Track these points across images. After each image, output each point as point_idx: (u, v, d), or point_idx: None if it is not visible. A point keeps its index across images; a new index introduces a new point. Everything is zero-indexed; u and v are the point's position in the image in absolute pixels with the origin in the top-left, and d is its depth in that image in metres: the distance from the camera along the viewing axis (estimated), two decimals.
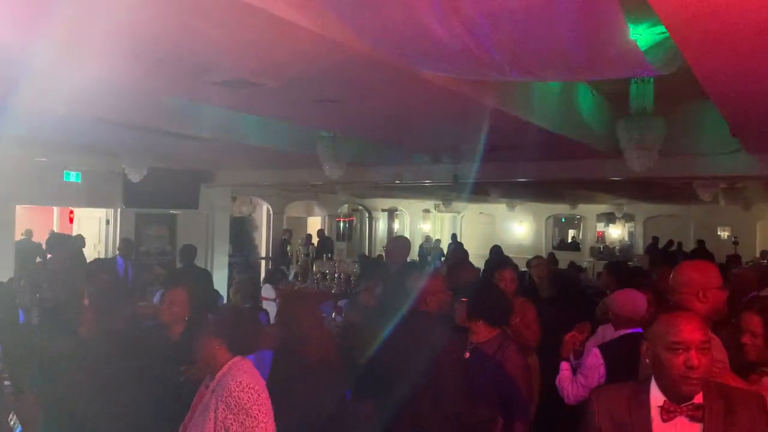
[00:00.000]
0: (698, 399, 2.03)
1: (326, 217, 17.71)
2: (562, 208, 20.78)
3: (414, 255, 20.28)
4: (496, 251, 11.64)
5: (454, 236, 20.04)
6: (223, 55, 3.74)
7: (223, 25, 3.20)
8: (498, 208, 20.84)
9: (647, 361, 2.11)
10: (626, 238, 21.73)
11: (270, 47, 3.60)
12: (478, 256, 19.17)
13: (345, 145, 7.48)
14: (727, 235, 18.78)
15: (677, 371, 2.01)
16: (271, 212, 15.49)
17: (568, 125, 6.79)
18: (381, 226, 20.92)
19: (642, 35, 3.48)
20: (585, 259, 19.37)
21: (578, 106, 6.95)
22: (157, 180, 10.45)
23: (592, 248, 20.82)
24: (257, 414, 2.56)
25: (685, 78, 4.12)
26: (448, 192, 15.18)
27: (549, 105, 6.24)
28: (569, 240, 22.99)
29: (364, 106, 5.49)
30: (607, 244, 21.76)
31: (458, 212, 22.99)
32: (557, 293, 6.96)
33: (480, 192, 13.56)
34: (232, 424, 2.54)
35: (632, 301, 3.69)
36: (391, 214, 21.26)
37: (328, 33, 3.28)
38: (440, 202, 19.56)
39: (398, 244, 6.09)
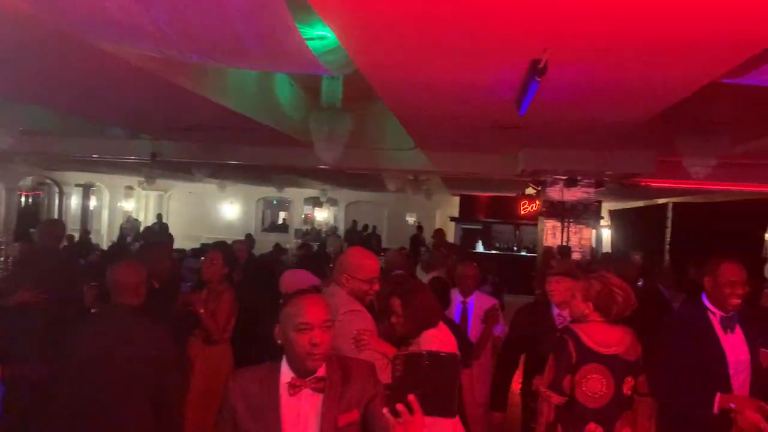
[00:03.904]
0: (321, 372, 2.25)
1: (4, 191, 15.36)
2: (270, 191, 21.27)
3: (114, 235, 18.86)
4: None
5: (159, 216, 19.11)
6: None
7: None
8: (208, 188, 20.43)
9: (279, 341, 2.27)
10: (332, 221, 23.21)
11: None
12: (187, 237, 18.69)
13: (17, 110, 6.58)
14: (414, 221, 21.26)
15: (303, 349, 2.20)
16: None
17: (266, 113, 6.96)
18: (74, 202, 18.92)
19: (322, 38, 3.74)
20: (292, 241, 20.17)
21: (276, 95, 7.18)
22: None
23: (296, 230, 21.79)
24: None
25: None
26: (151, 169, 14.38)
27: (246, 92, 6.32)
28: (280, 222, 23.72)
29: (34, 71, 4.89)
30: (314, 226, 22.99)
31: (165, 191, 21.97)
32: (251, 276, 7.11)
33: (185, 171, 13.16)
34: None
35: (298, 280, 4.03)
36: (87, 189, 19.35)
37: None
38: (144, 179, 18.44)
39: (49, 227, 5.58)
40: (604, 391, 2.99)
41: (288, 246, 15.68)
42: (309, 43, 3.59)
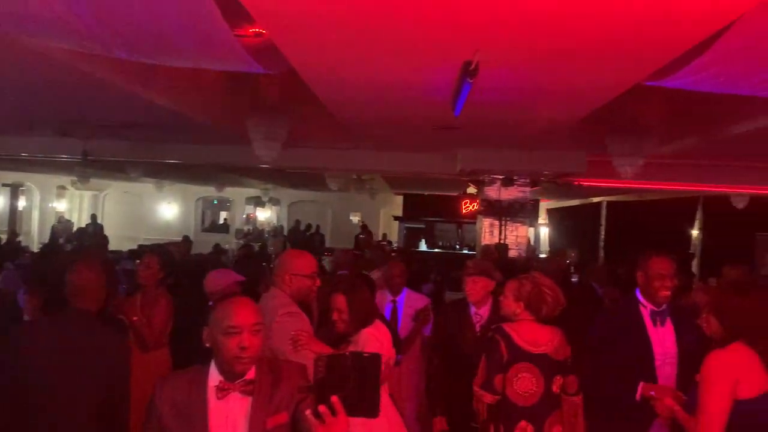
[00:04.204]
0: (251, 375, 2.22)
1: None
2: (211, 190, 20.86)
3: (45, 237, 18.13)
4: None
5: (93, 217, 18.48)
6: None
7: None
8: (145, 188, 19.88)
9: (208, 345, 2.23)
10: (275, 221, 22.93)
11: None
12: (122, 238, 18.13)
13: None
14: (358, 220, 21.24)
15: (231, 352, 2.16)
16: None
17: (203, 111, 6.82)
18: (1, 203, 18.08)
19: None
20: (233, 241, 19.84)
21: (215, 93, 7.03)
22: None
23: (237, 230, 21.45)
24: None
25: None
26: (84, 168, 13.89)
27: (183, 89, 6.17)
28: (221, 222, 23.30)
29: None
30: (257, 226, 22.65)
31: (100, 190, 21.26)
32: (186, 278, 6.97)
33: (119, 170, 12.77)
34: None
35: (221, 278, 4.02)
36: (15, 189, 18.51)
37: None
38: (77, 179, 17.78)
39: None
40: (534, 390, 3.06)
41: (227, 246, 15.44)
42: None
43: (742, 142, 6.60)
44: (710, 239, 12.88)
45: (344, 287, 3.29)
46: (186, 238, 10.79)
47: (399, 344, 4.17)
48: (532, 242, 18.55)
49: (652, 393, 3.09)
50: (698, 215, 13.21)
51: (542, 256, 16.42)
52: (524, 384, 3.06)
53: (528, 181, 9.15)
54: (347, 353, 1.74)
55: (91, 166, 10.82)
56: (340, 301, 3.22)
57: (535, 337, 3.11)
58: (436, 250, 17.72)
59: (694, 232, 13.36)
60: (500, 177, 9.06)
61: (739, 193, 10.77)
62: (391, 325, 4.40)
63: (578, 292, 6.29)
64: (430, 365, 4.15)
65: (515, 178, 9.05)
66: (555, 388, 3.12)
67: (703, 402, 2.58)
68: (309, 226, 19.51)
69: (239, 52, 3.32)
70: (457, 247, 18.42)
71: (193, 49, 3.28)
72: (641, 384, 3.16)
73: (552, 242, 18.93)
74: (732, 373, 2.54)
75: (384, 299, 4.75)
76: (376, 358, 1.67)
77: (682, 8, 2.70)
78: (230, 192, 20.71)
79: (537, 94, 4.41)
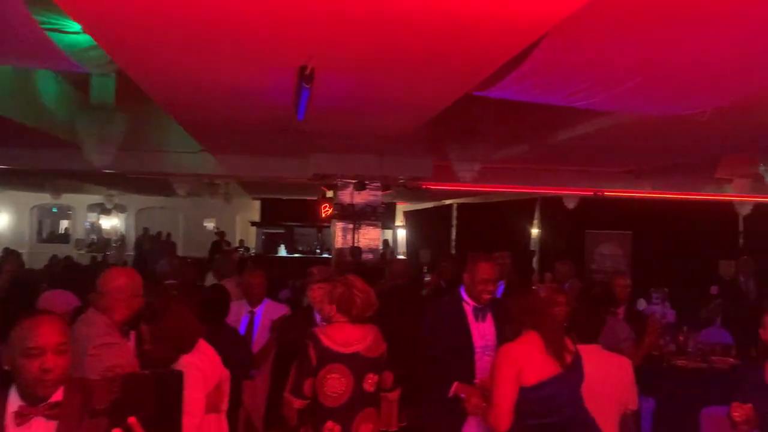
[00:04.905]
0: (57, 397, 2.06)
1: None
2: (47, 197, 19.16)
3: None
4: None
5: None
6: None
7: None
8: None
9: (6, 367, 2.05)
10: (123, 229, 21.51)
11: None
12: None
13: None
14: (213, 226, 20.53)
15: (32, 375, 2.00)
16: None
17: (24, 112, 6.24)
18: None
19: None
20: (74, 252, 18.38)
21: (39, 92, 6.47)
22: None
23: (77, 240, 19.87)
24: None
25: None
26: None
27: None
28: (61, 231, 21.50)
29: None
30: (102, 235, 21.11)
31: None
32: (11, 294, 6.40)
33: None
34: None
35: (58, 302, 3.76)
36: None
37: None
38: None
39: None
40: (343, 390, 3.07)
41: (75, 258, 14.30)
42: (70, 38, 3.29)
43: (565, 148, 7.22)
44: (547, 237, 13.91)
45: (146, 315, 2.92)
46: (8, 251, 9.75)
47: (251, 360, 4.03)
48: (390, 244, 19.03)
49: (462, 395, 3.27)
50: (536, 215, 14.21)
51: (400, 257, 16.95)
52: (333, 385, 3.07)
53: (380, 185, 9.37)
54: (147, 372, 1.67)
55: None
56: (144, 330, 2.88)
57: (346, 337, 3.12)
58: (296, 255, 17.62)
59: (534, 231, 14.36)
60: (352, 181, 9.20)
61: (569, 194, 11.76)
62: (245, 339, 4.23)
63: (430, 291, 6.58)
64: (271, 373, 4.07)
65: (367, 182, 9.23)
66: (367, 387, 3.13)
67: (492, 389, 2.84)
68: (159, 234, 18.56)
69: (53, 50, 3.08)
70: (318, 251, 18.43)
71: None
72: (455, 383, 3.35)
73: (409, 243, 19.53)
74: (516, 362, 2.81)
75: (241, 310, 4.46)
76: (177, 375, 1.63)
77: (497, 21, 2.90)
78: (71, 199, 19.15)
79: (372, 102, 4.52)
